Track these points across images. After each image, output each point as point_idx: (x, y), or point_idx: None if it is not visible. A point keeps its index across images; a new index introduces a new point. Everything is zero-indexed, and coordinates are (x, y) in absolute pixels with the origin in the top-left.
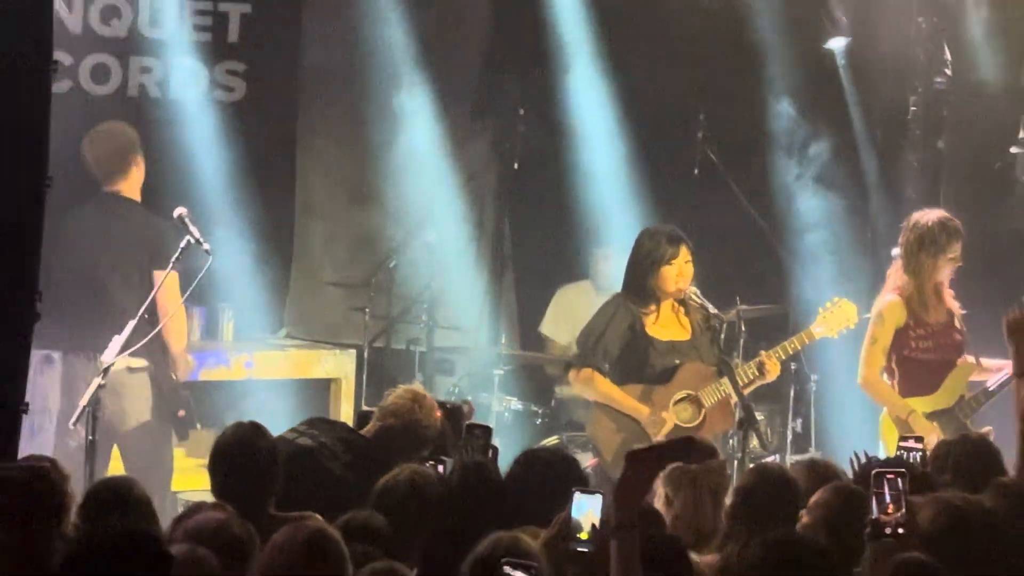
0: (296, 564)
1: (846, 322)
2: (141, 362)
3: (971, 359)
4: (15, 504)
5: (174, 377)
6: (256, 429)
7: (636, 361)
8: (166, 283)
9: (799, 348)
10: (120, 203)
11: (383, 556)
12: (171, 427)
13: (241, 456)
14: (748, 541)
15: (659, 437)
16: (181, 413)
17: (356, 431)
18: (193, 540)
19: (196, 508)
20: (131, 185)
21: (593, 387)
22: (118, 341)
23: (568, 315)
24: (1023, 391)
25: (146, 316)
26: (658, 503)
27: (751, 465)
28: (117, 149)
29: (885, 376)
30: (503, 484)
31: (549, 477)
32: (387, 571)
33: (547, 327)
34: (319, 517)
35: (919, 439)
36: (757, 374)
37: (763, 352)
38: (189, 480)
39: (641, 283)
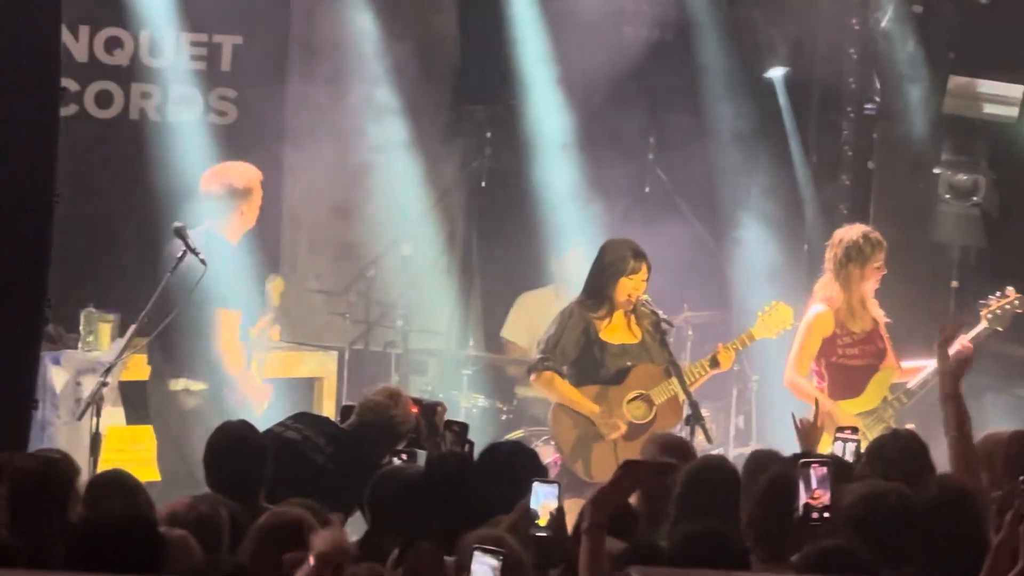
0: (264, 549)
1: (783, 323)
2: (200, 385)
3: (894, 363)
4: (27, 493)
5: (247, 404)
6: (246, 427)
7: (591, 364)
8: (226, 322)
9: (741, 348)
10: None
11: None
12: None
13: (232, 452)
14: (685, 527)
15: (613, 437)
16: None
17: (338, 426)
18: (167, 523)
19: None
20: (232, 228)
21: (553, 389)
22: (120, 342)
23: (527, 320)
24: (948, 414)
25: (147, 320)
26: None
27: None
28: (231, 191)
29: (815, 380)
30: (474, 471)
31: (511, 468)
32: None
33: (508, 331)
34: (300, 507)
35: (855, 430)
36: (709, 368)
37: (719, 345)
38: None
39: (599, 290)
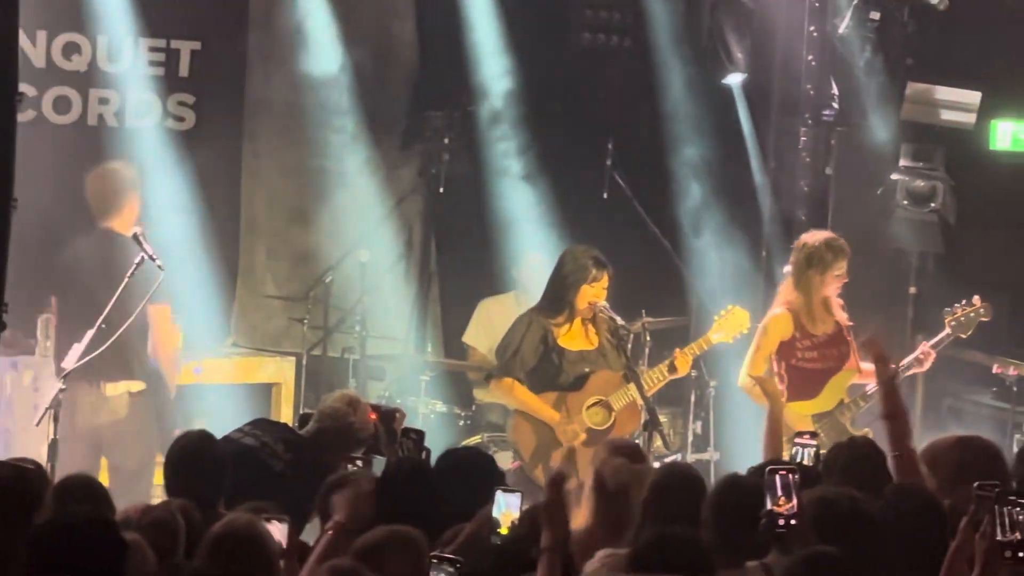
0: (215, 557)
1: (739, 327)
2: (140, 385)
3: (854, 366)
4: None
5: (171, 395)
6: (205, 437)
7: (550, 370)
8: (160, 316)
9: (698, 353)
10: (115, 239)
11: None
12: (159, 442)
13: (192, 462)
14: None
15: (574, 444)
16: (176, 432)
17: (296, 432)
18: (121, 527)
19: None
20: (125, 222)
21: (512, 395)
22: (77, 349)
23: (488, 326)
24: (892, 432)
25: (103, 326)
26: (583, 500)
27: (656, 464)
28: (115, 189)
29: (776, 382)
30: (432, 477)
31: (467, 474)
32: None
33: (469, 337)
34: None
35: (813, 435)
36: (667, 373)
37: (677, 350)
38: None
39: (560, 297)
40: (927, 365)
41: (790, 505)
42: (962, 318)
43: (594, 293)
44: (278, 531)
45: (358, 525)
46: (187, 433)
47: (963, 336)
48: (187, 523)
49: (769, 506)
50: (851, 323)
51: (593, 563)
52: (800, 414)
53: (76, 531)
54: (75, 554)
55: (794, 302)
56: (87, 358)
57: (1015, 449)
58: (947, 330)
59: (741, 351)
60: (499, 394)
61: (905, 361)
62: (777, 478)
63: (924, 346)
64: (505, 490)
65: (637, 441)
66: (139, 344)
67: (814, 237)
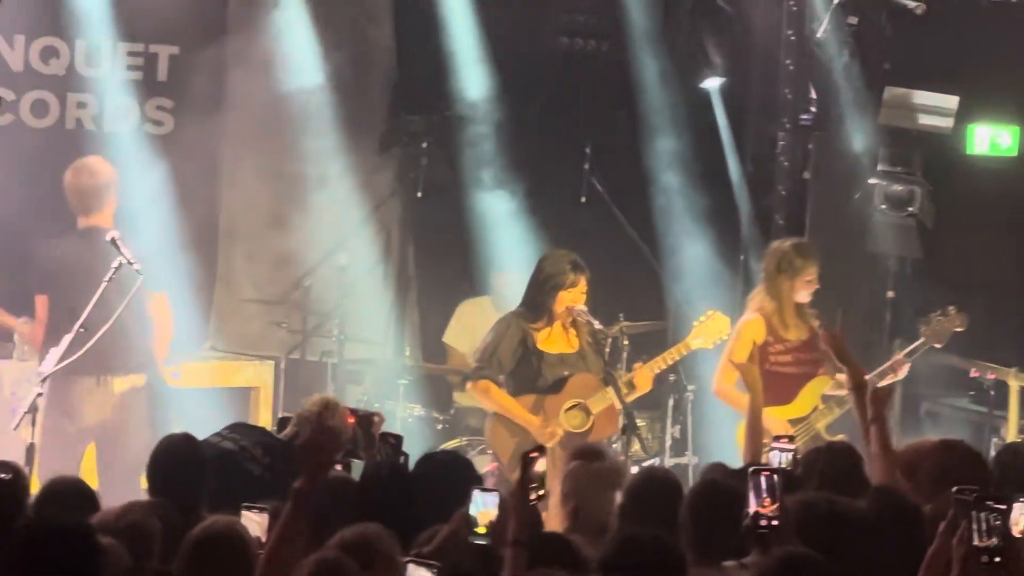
0: (196, 560)
1: (719, 333)
2: (143, 379)
3: (827, 373)
4: None
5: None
6: (188, 440)
7: (528, 373)
8: (160, 305)
9: (678, 358)
10: (100, 235)
11: None
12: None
13: (175, 465)
14: (623, 533)
15: (550, 445)
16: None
17: (274, 435)
18: (97, 531)
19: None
20: (106, 217)
21: (489, 398)
22: (55, 353)
23: (468, 327)
24: (874, 436)
25: (83, 330)
26: (553, 499)
27: (635, 468)
28: (96, 185)
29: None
30: (410, 480)
31: (445, 477)
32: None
33: (449, 337)
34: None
35: (790, 439)
36: (628, 390)
37: (636, 365)
38: None
39: (539, 302)
40: (902, 374)
41: (774, 506)
42: (937, 327)
43: (572, 297)
44: (258, 523)
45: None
46: (170, 436)
47: (938, 345)
48: (166, 526)
49: (753, 507)
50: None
51: None
52: (778, 419)
53: (51, 537)
54: (50, 560)
55: (766, 307)
56: (65, 362)
57: (993, 453)
58: (921, 339)
59: (720, 356)
60: (476, 396)
61: (878, 371)
62: (762, 479)
63: (898, 356)
64: (483, 489)
65: (615, 444)
66: (141, 337)
67: (784, 243)
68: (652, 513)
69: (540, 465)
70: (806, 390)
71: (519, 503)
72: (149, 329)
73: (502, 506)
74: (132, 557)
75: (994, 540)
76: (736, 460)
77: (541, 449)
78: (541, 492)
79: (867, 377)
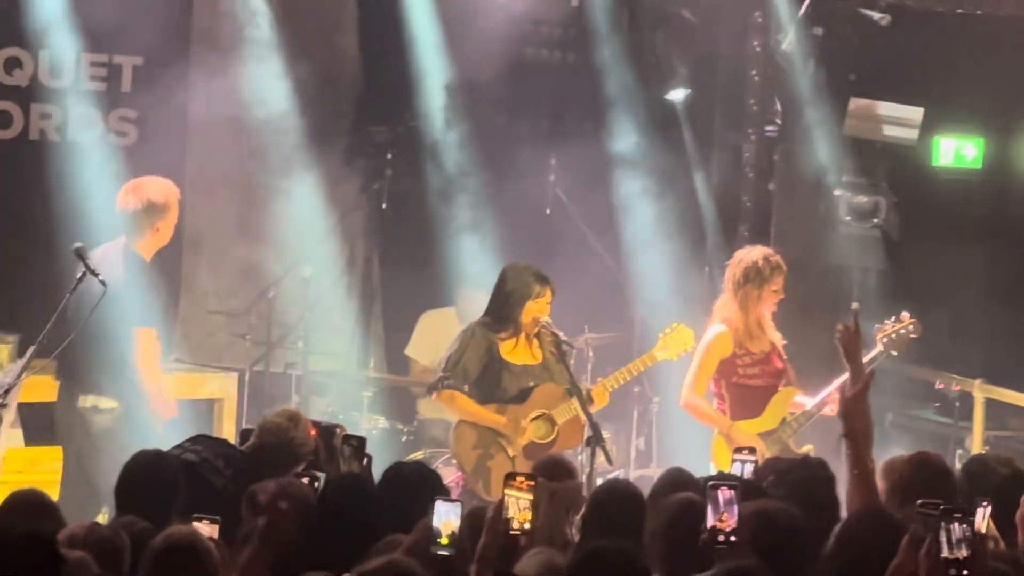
0: (159, 570)
1: (684, 345)
2: (112, 403)
3: (793, 384)
4: None
5: (155, 420)
6: (158, 456)
7: (493, 383)
8: (143, 339)
9: (642, 369)
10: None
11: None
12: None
13: (144, 481)
14: (590, 545)
15: (519, 442)
16: None
17: (237, 447)
18: (65, 545)
19: None
20: (146, 245)
21: (455, 405)
22: (15, 368)
23: (431, 338)
24: (851, 453)
25: (45, 341)
26: None
27: (599, 480)
28: (149, 207)
29: (715, 402)
30: (374, 493)
31: (413, 488)
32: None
33: (412, 349)
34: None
35: (752, 451)
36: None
37: (601, 381)
38: None
39: (505, 313)
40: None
41: (731, 521)
42: (892, 335)
43: (539, 308)
44: (208, 531)
45: (278, 539)
46: (140, 452)
47: (895, 353)
48: (134, 542)
49: (711, 521)
50: (786, 341)
51: (526, 558)
52: (749, 433)
53: (10, 547)
54: (10, 568)
55: (732, 319)
56: (26, 374)
57: (958, 464)
58: (879, 347)
59: (684, 367)
60: (442, 405)
61: (826, 391)
62: (719, 494)
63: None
64: (445, 500)
65: (580, 456)
66: (114, 362)
67: (751, 253)
68: (614, 525)
69: (529, 496)
70: (773, 402)
71: (494, 523)
72: (124, 357)
73: (477, 516)
74: (101, 571)
75: (964, 552)
76: (702, 471)
77: (532, 477)
78: (527, 526)
79: (820, 396)
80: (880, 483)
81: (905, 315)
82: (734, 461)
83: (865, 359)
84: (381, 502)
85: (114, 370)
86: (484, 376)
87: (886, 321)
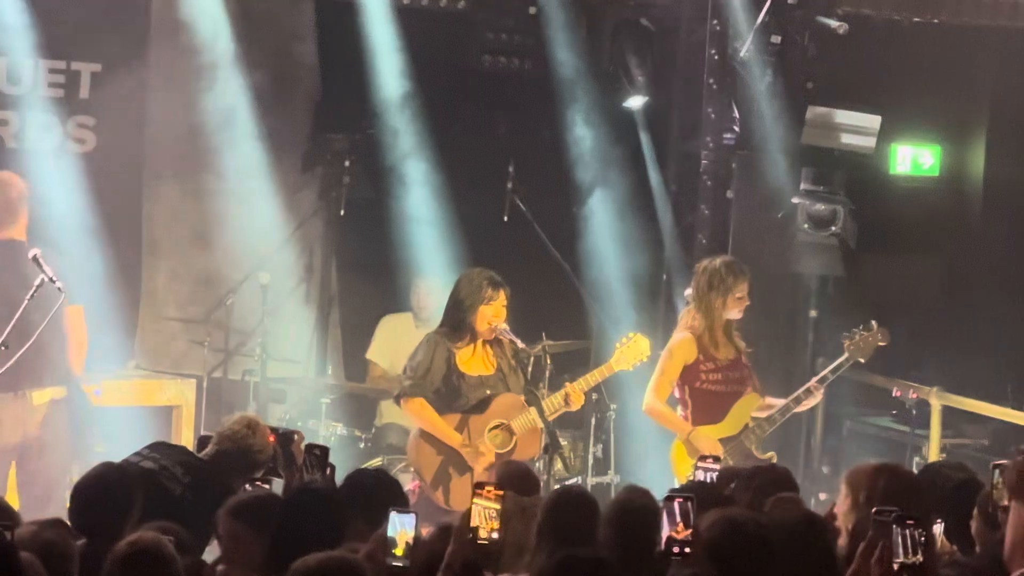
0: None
1: (640, 355)
2: (62, 392)
3: (757, 390)
4: None
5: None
6: (110, 469)
7: (451, 393)
8: (76, 316)
9: (600, 380)
10: (17, 248)
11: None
12: (76, 452)
13: (99, 494)
14: (549, 553)
15: (478, 467)
16: (100, 448)
17: (195, 454)
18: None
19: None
20: (20, 230)
21: (422, 416)
22: None
23: (391, 342)
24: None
25: (3, 347)
26: None
27: (556, 487)
28: (9, 198)
29: (679, 408)
30: (336, 500)
31: (372, 495)
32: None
33: (372, 353)
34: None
35: (716, 459)
36: (563, 404)
37: (568, 384)
38: None
39: (460, 320)
40: (818, 398)
41: (687, 532)
42: (860, 343)
43: (493, 312)
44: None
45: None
46: (99, 467)
47: (862, 360)
48: (86, 549)
49: (667, 531)
50: (749, 349)
51: None
52: (710, 438)
53: None
54: None
55: (697, 326)
56: None
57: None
58: (845, 354)
59: (642, 375)
60: (409, 413)
61: (793, 396)
62: (675, 505)
63: (812, 381)
64: (399, 510)
65: (537, 464)
66: (59, 350)
67: (715, 260)
68: (568, 531)
69: (497, 506)
70: (735, 408)
71: (461, 532)
72: (67, 343)
73: (446, 531)
74: (50, 575)
75: (919, 557)
76: (659, 478)
77: (500, 487)
78: (495, 535)
79: (784, 401)
80: (844, 490)
81: (874, 323)
82: (697, 469)
83: (830, 367)
84: (340, 508)
85: (58, 358)
86: (444, 385)
87: (854, 329)
